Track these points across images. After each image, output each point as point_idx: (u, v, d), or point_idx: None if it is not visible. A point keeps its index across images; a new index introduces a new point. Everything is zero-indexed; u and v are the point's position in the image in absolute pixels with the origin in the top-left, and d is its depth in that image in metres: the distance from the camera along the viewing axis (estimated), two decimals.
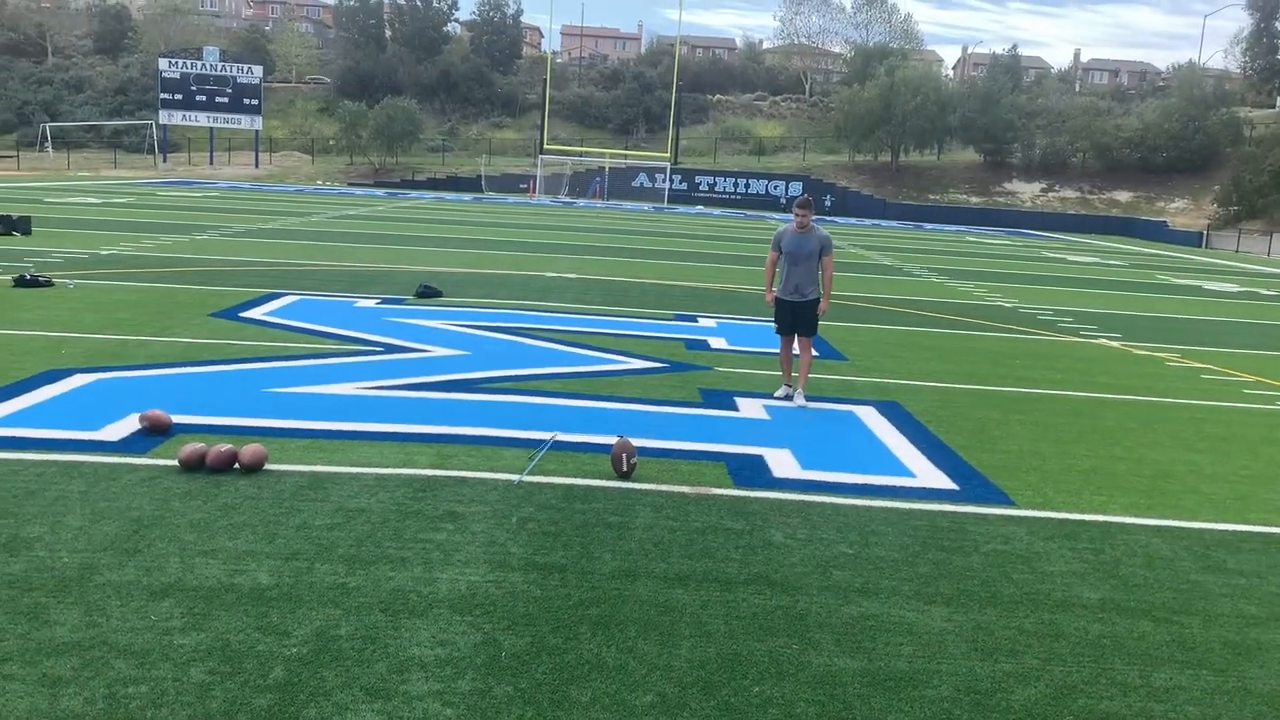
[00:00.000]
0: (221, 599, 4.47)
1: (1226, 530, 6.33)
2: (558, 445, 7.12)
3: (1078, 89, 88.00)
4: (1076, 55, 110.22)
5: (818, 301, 9.09)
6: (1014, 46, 76.32)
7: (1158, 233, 54.51)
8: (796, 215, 9.05)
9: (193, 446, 6.27)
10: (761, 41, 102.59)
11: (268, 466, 6.28)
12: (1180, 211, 59.43)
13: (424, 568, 4.93)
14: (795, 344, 9.20)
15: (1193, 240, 51.80)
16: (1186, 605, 5.11)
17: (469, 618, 4.42)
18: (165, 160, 62.87)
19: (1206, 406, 10.15)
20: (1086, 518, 6.38)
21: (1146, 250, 43.14)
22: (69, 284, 13.51)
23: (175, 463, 6.23)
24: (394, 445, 6.94)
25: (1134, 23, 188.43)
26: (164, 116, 62.12)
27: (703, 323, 13.72)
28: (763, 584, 5.01)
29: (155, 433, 6.85)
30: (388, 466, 6.45)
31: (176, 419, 7.11)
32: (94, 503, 5.55)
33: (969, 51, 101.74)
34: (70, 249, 17.86)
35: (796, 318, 9.09)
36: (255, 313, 12.16)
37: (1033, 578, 5.32)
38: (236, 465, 6.22)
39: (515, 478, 6.35)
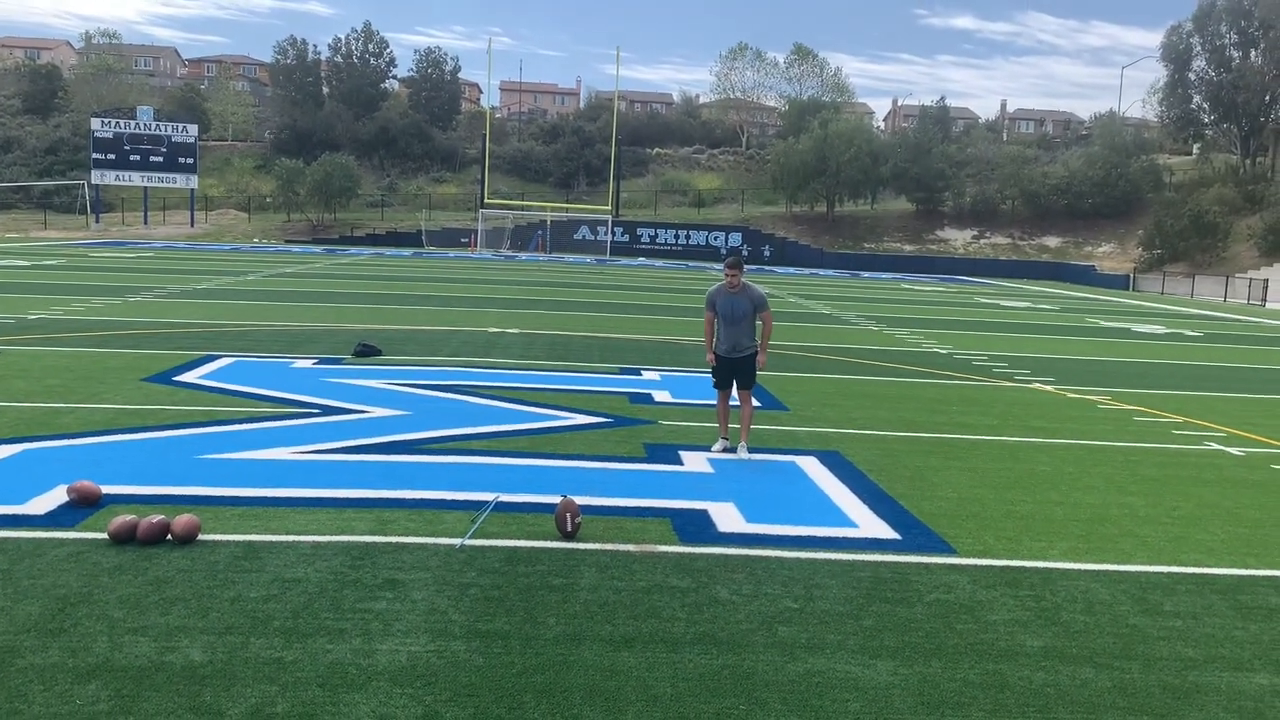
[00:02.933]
0: (152, 679, 4.32)
1: (1162, 572, 6.44)
2: (500, 506, 7.05)
3: (1005, 138, 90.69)
4: (1003, 106, 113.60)
5: (755, 355, 9.15)
6: (942, 98, 78.80)
7: (1086, 277, 56.08)
8: (727, 275, 9.02)
9: (123, 518, 6.09)
10: (698, 96, 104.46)
11: (201, 537, 6.12)
12: (1107, 255, 61.25)
13: (363, 639, 4.82)
14: (734, 396, 9.24)
15: (1119, 283, 53.34)
16: (1126, 650, 5.17)
17: (410, 690, 4.32)
18: (98, 221, 61.83)
19: (1138, 449, 10.38)
20: (1027, 564, 6.46)
21: (1076, 294, 44.30)
22: None
23: (105, 536, 6.04)
24: (332, 511, 6.81)
25: (1057, 74, 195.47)
26: (97, 176, 61.18)
27: (646, 375, 13.74)
28: (709, 643, 4.97)
29: (84, 505, 6.65)
30: (325, 534, 6.32)
31: (106, 489, 6.90)
32: (17, 581, 5.35)
33: (899, 103, 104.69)
34: None
35: (735, 371, 9.13)
36: (189, 376, 11.92)
37: (976, 627, 5.36)
38: (169, 537, 6.05)
39: (457, 542, 6.26)
